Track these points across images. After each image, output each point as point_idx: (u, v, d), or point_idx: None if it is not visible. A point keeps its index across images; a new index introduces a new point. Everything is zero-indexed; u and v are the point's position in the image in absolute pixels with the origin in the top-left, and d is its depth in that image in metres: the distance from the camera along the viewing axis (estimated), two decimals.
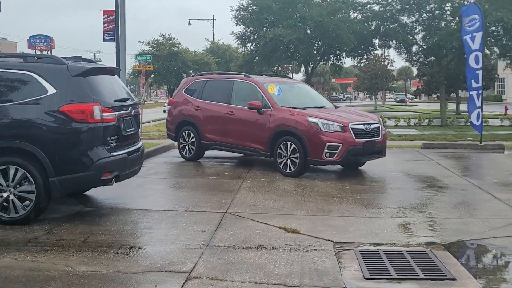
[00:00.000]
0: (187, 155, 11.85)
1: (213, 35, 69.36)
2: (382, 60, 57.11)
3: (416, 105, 64.12)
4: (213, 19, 64.85)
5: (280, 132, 9.99)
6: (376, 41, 30.77)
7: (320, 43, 30.14)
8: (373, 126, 10.06)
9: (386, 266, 4.95)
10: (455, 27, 27.99)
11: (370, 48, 31.74)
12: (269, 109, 10.23)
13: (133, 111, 7.27)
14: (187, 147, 11.84)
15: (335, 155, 9.49)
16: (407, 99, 77.69)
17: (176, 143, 12.39)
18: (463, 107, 45.11)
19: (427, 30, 28.89)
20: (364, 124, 9.92)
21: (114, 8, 26.69)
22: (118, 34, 27.90)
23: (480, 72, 14.81)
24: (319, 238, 5.88)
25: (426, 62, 31.55)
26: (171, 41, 41.50)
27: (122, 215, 6.92)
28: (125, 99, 7.17)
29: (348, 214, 7.07)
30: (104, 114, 6.41)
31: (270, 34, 27.00)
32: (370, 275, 4.72)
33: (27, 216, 6.22)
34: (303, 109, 10.23)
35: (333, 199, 7.99)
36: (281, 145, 9.94)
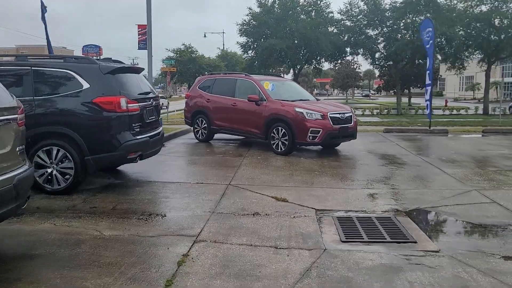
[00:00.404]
0: (200, 138, 11.33)
1: (223, 45, 67.89)
2: (352, 64, 56.30)
3: (377, 99, 63.43)
4: (223, 32, 63.78)
5: (273, 119, 9.47)
6: (348, 49, 30.14)
7: (304, 50, 29.42)
8: (346, 115, 9.55)
9: (359, 231, 4.52)
10: (408, 38, 27.41)
11: (343, 55, 31.08)
12: (264, 101, 9.71)
13: (154, 102, 6.75)
14: (200, 131, 11.32)
15: (317, 138, 9.00)
16: (370, 94, 76.95)
17: (192, 128, 11.82)
18: (414, 100, 44.70)
19: (387, 41, 28.30)
20: (339, 113, 9.40)
21: (146, 23, 26.10)
22: (149, 43, 27.22)
23: (427, 73, 14.26)
24: (303, 206, 5.45)
25: (386, 65, 30.95)
26: (190, 49, 40.62)
27: (145, 186, 6.47)
28: (147, 93, 6.66)
29: (327, 185, 6.62)
30: (129, 105, 5.93)
31: (266, 43, 26.34)
32: (346, 239, 4.29)
33: (67, 188, 5.77)
34: (292, 101, 9.69)
35: (315, 173, 7.53)
36: (274, 130, 9.44)
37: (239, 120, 10.23)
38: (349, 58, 42.74)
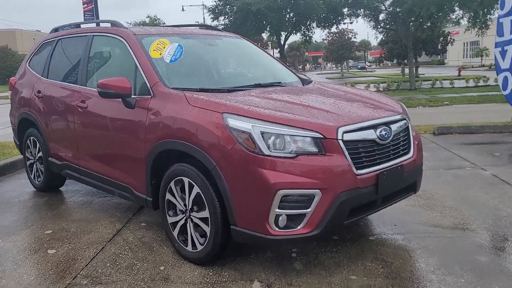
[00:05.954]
0: (36, 182, 4.85)
1: (203, 19, 60.78)
2: (347, 33, 49.63)
3: (375, 71, 56.98)
4: (203, 5, 56.71)
5: (169, 150, 2.96)
6: (345, 10, 23.53)
7: (291, 14, 22.70)
8: (395, 127, 2.92)
9: None
10: None
11: (339, 18, 24.41)
12: (147, 96, 3.20)
13: None
14: (35, 167, 4.86)
15: (303, 221, 2.47)
16: (366, 66, 70.43)
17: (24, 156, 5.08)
18: (421, 70, 38.25)
19: None
20: (375, 127, 2.71)
21: None
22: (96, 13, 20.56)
23: (504, 20, 7.73)
24: None
25: (393, 29, 24.35)
26: (156, 21, 33.62)
27: None
28: None
29: None
30: None
31: (239, 3, 19.58)
32: None
33: None
34: (227, 91, 3.20)
35: None
36: (173, 184, 2.98)
37: (91, 148, 3.75)
38: (344, 26, 36.18)
